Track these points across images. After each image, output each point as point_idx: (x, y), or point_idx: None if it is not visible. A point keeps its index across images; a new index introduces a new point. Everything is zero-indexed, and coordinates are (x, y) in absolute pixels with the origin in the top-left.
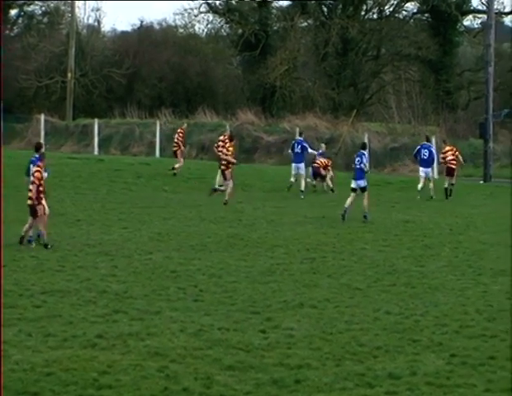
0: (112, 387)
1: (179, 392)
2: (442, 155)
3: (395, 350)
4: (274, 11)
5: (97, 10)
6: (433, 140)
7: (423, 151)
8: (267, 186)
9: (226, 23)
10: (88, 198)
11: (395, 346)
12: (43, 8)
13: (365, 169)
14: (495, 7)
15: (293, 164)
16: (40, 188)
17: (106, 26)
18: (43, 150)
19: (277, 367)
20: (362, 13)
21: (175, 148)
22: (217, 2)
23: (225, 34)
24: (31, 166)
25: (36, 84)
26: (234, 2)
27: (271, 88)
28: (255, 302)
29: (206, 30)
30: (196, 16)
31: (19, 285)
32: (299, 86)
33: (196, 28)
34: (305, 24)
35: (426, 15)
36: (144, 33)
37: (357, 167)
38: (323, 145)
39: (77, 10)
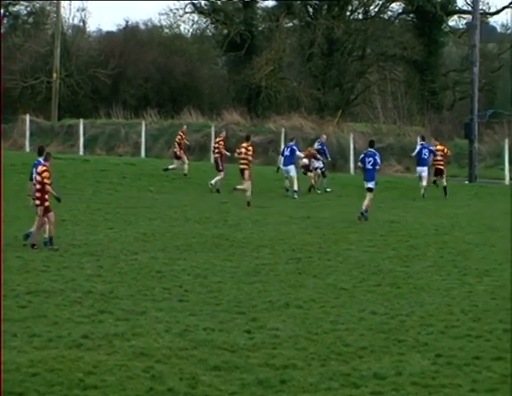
0: (98, 387)
1: (164, 392)
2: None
3: (381, 350)
4: (259, 11)
5: (83, 10)
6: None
7: (424, 151)
8: (253, 187)
9: (212, 23)
10: (74, 198)
11: (381, 347)
12: (28, 8)
13: (377, 168)
14: (480, 7)
15: (283, 167)
16: (49, 188)
17: (91, 26)
18: (46, 152)
19: (263, 367)
20: (348, 13)
21: (174, 149)
22: (202, 3)
23: (210, 34)
24: (34, 169)
25: (22, 84)
26: (219, 2)
27: (256, 88)
28: (240, 302)
29: (191, 30)
30: (181, 16)
31: (4, 285)
32: (284, 86)
33: (182, 28)
34: (291, 24)
35: (411, 15)
36: (129, 33)
37: (369, 167)
38: (324, 136)
39: (62, 10)
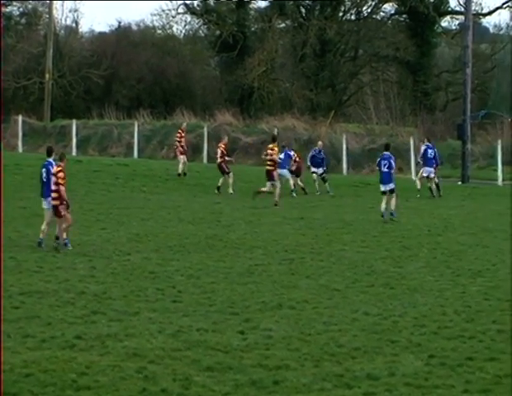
0: (91, 388)
1: (157, 393)
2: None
3: (374, 351)
4: (252, 12)
5: (75, 11)
6: (412, 141)
7: (429, 151)
8: (246, 187)
9: (204, 24)
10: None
11: (374, 347)
12: (21, 9)
13: (392, 171)
14: (473, 8)
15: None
16: (63, 188)
17: (83, 27)
18: (61, 153)
19: (256, 368)
20: (340, 14)
21: (175, 148)
22: (195, 3)
23: (202, 35)
24: (43, 170)
25: (14, 85)
26: (211, 3)
27: (249, 89)
28: (234, 303)
29: (183, 31)
30: (173, 17)
31: None
32: (277, 87)
33: (174, 29)
34: (283, 25)
35: (404, 16)
36: (122, 34)
37: (385, 170)
38: (320, 143)
39: (54, 11)
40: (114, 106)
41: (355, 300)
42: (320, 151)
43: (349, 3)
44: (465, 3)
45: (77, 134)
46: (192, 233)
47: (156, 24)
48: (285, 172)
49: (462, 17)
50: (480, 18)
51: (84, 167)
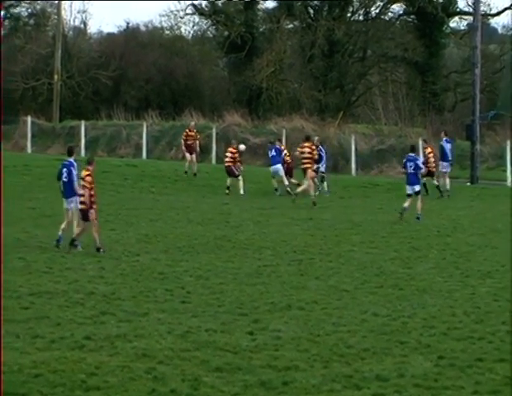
0: (100, 388)
1: (167, 393)
2: (424, 158)
3: (383, 352)
4: (260, 12)
5: (83, 12)
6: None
7: (448, 146)
8: (254, 188)
9: (212, 25)
10: None
11: (383, 348)
12: (29, 10)
13: (418, 173)
14: (482, 8)
15: (272, 168)
16: (92, 192)
17: (92, 28)
18: (89, 156)
19: (265, 369)
20: (348, 15)
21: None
22: (203, 4)
23: (211, 35)
24: (64, 170)
25: (23, 86)
26: (220, 3)
27: (257, 90)
28: (243, 304)
29: (192, 31)
30: (182, 17)
31: (6, 286)
32: (285, 87)
33: (183, 30)
34: (291, 26)
35: (412, 16)
36: (130, 35)
37: (411, 172)
38: (316, 138)
39: (63, 12)
40: (122, 106)
41: (364, 301)
42: (317, 146)
43: (357, 4)
44: (473, 4)
45: (85, 135)
46: (201, 233)
47: (164, 25)
48: (279, 167)
49: (470, 18)
50: (488, 19)
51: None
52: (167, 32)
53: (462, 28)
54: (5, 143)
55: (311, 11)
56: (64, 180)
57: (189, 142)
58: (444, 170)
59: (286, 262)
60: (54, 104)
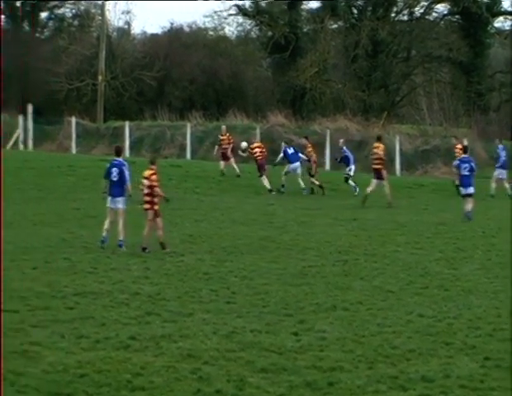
0: (145, 389)
1: (212, 394)
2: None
3: (429, 353)
4: (304, 13)
5: (127, 12)
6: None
7: (503, 153)
8: (298, 189)
9: (256, 25)
10: None
11: (429, 349)
12: (73, 11)
13: (473, 175)
14: None
15: (292, 165)
16: (157, 190)
17: (136, 29)
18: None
19: (310, 369)
20: (393, 15)
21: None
22: (247, 4)
23: (254, 36)
24: (114, 169)
25: (67, 87)
26: (263, 3)
27: (301, 90)
28: (287, 304)
29: (235, 32)
30: (225, 18)
31: (52, 286)
32: (329, 88)
33: (226, 30)
34: (335, 26)
35: (457, 16)
36: (174, 35)
37: (466, 173)
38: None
39: (107, 13)
40: (166, 107)
41: (409, 302)
42: (341, 148)
43: (402, 4)
44: None
45: (130, 136)
46: (245, 234)
47: (208, 25)
48: (299, 165)
49: None
50: None
51: (138, 168)
52: (210, 33)
53: (507, 28)
54: (50, 144)
55: (355, 11)
56: (114, 179)
57: (224, 146)
58: (501, 176)
59: (331, 263)
60: (98, 105)
